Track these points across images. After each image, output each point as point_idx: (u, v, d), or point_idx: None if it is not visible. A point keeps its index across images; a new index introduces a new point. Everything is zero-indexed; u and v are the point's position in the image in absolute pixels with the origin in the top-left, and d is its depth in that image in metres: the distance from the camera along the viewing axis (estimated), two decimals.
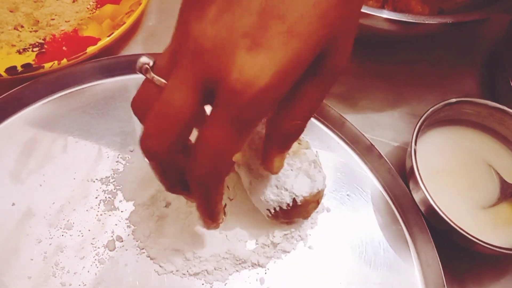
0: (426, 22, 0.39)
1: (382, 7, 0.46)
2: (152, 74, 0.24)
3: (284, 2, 0.22)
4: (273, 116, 0.27)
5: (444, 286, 0.34)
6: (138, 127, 0.40)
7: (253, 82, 0.22)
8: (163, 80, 0.24)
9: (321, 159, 0.40)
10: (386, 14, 0.39)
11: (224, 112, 0.23)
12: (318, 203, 0.34)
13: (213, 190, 0.26)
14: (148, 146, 0.25)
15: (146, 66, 0.25)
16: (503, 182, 0.39)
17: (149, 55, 0.25)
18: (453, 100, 0.39)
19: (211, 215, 0.29)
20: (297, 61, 0.22)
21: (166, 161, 0.27)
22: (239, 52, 0.22)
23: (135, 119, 0.39)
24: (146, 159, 0.26)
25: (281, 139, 0.28)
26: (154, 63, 0.25)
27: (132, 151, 0.38)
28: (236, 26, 0.22)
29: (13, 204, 0.35)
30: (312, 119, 0.42)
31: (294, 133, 0.27)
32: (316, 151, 0.36)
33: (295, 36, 0.22)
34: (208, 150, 0.24)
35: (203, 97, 0.23)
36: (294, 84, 0.23)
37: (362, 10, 0.38)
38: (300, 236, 0.36)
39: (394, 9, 0.46)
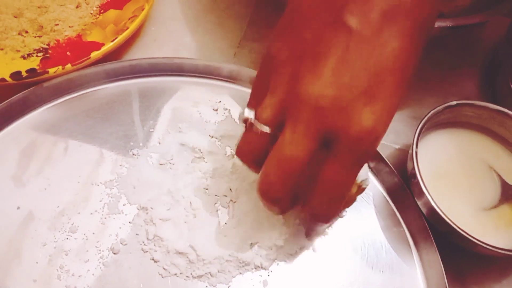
0: None
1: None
2: (259, 126, 0.28)
3: (395, 57, 0.25)
4: None
5: (446, 287, 0.34)
6: (140, 131, 0.40)
7: (374, 130, 0.25)
8: (269, 130, 0.27)
9: None
10: None
11: (346, 156, 0.26)
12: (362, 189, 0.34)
13: (327, 221, 0.31)
14: (268, 192, 0.27)
15: (251, 120, 0.28)
16: (504, 184, 0.39)
17: (249, 105, 0.29)
18: (454, 102, 0.40)
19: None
20: (398, 106, 0.26)
21: (286, 203, 0.29)
22: (358, 107, 0.25)
23: (139, 123, 0.40)
24: (263, 201, 0.29)
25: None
26: (255, 111, 0.28)
27: (135, 155, 0.39)
28: (354, 85, 0.25)
29: (18, 207, 0.35)
30: None
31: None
32: None
33: (402, 86, 0.26)
34: (329, 189, 0.27)
35: (320, 146, 0.26)
36: None
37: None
38: (303, 239, 0.36)
39: None
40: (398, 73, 0.26)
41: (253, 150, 0.28)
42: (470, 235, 0.34)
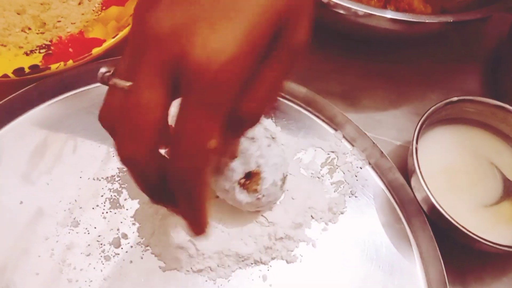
0: (428, 21, 0.39)
1: (384, 6, 0.46)
2: (115, 80, 0.23)
3: None
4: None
5: (446, 284, 0.35)
6: None
7: (217, 55, 0.20)
8: (128, 83, 0.22)
9: (323, 158, 0.41)
10: (388, 13, 0.39)
11: (190, 94, 0.21)
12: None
13: (195, 188, 0.23)
14: (124, 153, 0.22)
15: (107, 74, 0.23)
16: (505, 180, 0.39)
17: (108, 62, 0.24)
18: (455, 98, 0.40)
19: (197, 221, 0.25)
20: (257, 34, 0.21)
21: (147, 166, 0.23)
22: (202, 28, 0.20)
23: None
24: (124, 167, 0.23)
25: (235, 123, 0.24)
26: (114, 70, 0.23)
27: None
28: (194, 7, 0.21)
29: (21, 202, 0.36)
30: (314, 118, 0.43)
31: (248, 119, 0.24)
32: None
33: (254, 8, 0.21)
34: (182, 141, 0.21)
35: (172, 88, 0.22)
36: (257, 64, 0.22)
37: (365, 10, 0.39)
38: (303, 234, 0.36)
39: (397, 9, 0.46)
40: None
41: (110, 110, 0.23)
42: (470, 232, 0.34)
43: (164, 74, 0.21)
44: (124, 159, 0.22)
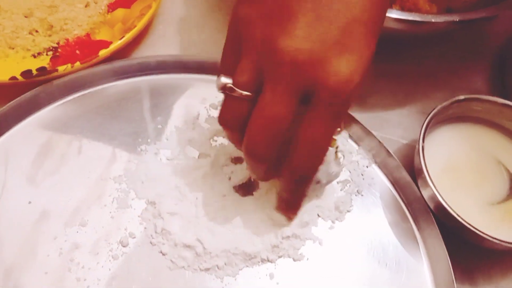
0: (434, 20, 0.39)
1: (390, 6, 0.46)
2: (239, 91, 0.28)
3: (364, 9, 0.26)
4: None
5: (454, 282, 0.34)
6: (149, 127, 0.41)
7: (350, 80, 0.26)
8: (249, 93, 0.27)
9: None
10: (394, 13, 0.39)
11: (326, 110, 0.26)
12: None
13: (308, 182, 0.30)
14: (256, 153, 0.28)
15: (230, 85, 0.28)
16: None
17: (223, 73, 0.28)
18: (462, 97, 0.40)
19: (295, 208, 0.34)
20: (372, 57, 0.27)
21: (269, 161, 0.29)
22: (333, 59, 0.25)
23: (147, 120, 0.41)
24: (250, 161, 0.29)
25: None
26: (234, 80, 0.28)
27: (144, 151, 0.39)
28: (327, 38, 0.26)
29: (30, 202, 0.36)
30: None
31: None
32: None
33: (373, 37, 0.27)
34: (310, 146, 0.27)
35: (300, 102, 0.27)
36: None
37: None
38: (309, 233, 0.37)
39: (402, 8, 0.46)
40: (369, 25, 0.26)
41: (235, 116, 0.28)
42: (477, 230, 0.34)
43: (298, 94, 0.26)
44: (255, 157, 0.28)
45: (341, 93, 0.26)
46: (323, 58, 0.25)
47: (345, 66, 0.26)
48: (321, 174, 0.34)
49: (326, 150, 0.28)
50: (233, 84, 0.28)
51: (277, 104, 0.26)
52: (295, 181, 0.30)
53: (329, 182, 0.36)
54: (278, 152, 0.28)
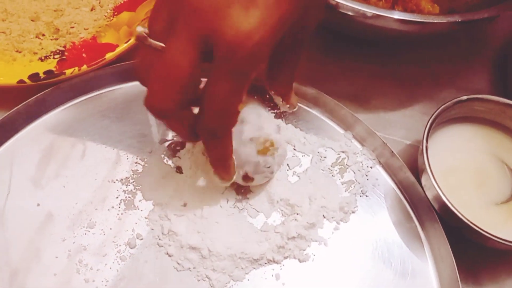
0: (436, 21, 0.40)
1: (392, 7, 0.47)
2: (150, 40, 0.26)
3: None
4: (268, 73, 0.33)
5: (458, 282, 0.35)
6: (155, 130, 0.41)
7: (249, 36, 0.24)
8: (161, 44, 0.26)
9: (333, 158, 0.41)
10: (396, 14, 0.39)
11: (224, 66, 0.25)
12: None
13: (223, 141, 0.29)
14: (153, 104, 0.27)
15: (144, 34, 0.26)
16: None
17: (144, 22, 0.27)
18: (465, 97, 0.40)
19: (223, 166, 0.32)
20: (284, 21, 0.26)
21: (176, 117, 0.28)
22: (236, 10, 0.24)
23: (153, 123, 0.41)
24: (153, 115, 0.28)
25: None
26: (149, 30, 0.27)
27: (150, 152, 0.39)
28: None
29: (38, 205, 0.36)
30: (324, 119, 0.43)
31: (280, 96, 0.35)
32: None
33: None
34: (213, 103, 0.26)
35: (203, 54, 0.26)
36: (278, 42, 0.26)
37: (373, 11, 0.39)
38: (315, 233, 0.37)
39: (404, 9, 0.46)
40: None
41: (145, 66, 0.27)
42: (482, 229, 0.34)
43: (197, 42, 0.25)
44: (152, 108, 0.27)
45: (239, 49, 0.24)
46: (225, 9, 0.24)
47: (246, 21, 0.24)
48: (248, 166, 0.34)
49: (231, 107, 0.27)
50: (147, 33, 0.27)
51: (177, 53, 0.25)
52: (207, 138, 0.29)
53: (262, 173, 0.35)
54: (182, 107, 0.27)
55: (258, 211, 0.37)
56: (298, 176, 0.39)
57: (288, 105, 0.36)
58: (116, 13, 0.48)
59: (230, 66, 0.25)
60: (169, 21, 0.26)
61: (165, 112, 0.27)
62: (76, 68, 0.41)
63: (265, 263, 0.35)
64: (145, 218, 0.36)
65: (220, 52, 0.25)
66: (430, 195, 0.37)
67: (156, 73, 0.26)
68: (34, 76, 0.41)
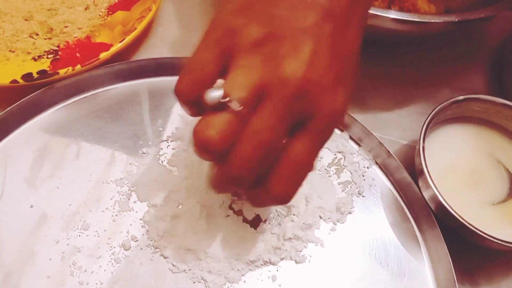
0: (432, 21, 0.40)
1: (388, 7, 0.46)
2: (236, 108, 0.25)
3: (358, 45, 0.28)
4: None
5: (455, 282, 0.35)
6: (150, 130, 0.41)
7: (343, 112, 0.27)
8: (245, 111, 0.25)
9: (330, 158, 0.41)
10: (392, 14, 0.39)
11: (316, 136, 0.27)
12: None
13: (287, 200, 0.28)
14: (239, 177, 0.26)
15: (223, 100, 0.25)
16: None
17: (199, 83, 0.27)
18: (461, 97, 0.40)
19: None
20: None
21: (250, 181, 0.27)
22: (332, 92, 0.26)
23: (148, 122, 0.41)
24: (228, 183, 0.28)
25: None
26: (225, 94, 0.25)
27: (145, 153, 0.39)
28: (333, 69, 0.26)
29: (31, 206, 0.36)
30: None
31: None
32: None
33: (354, 74, 0.28)
34: (295, 168, 0.27)
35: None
36: None
37: (370, 11, 0.39)
38: (311, 234, 0.37)
39: (401, 9, 0.46)
40: (357, 60, 0.28)
41: (225, 134, 0.25)
42: (478, 230, 0.34)
43: (293, 121, 0.26)
44: (234, 178, 0.27)
45: (334, 123, 0.27)
46: (324, 90, 0.26)
47: (340, 98, 0.26)
48: None
49: (305, 175, 0.28)
50: (226, 98, 0.25)
51: (273, 129, 0.25)
52: (269, 202, 0.29)
53: None
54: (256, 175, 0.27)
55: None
56: None
57: None
58: (110, 12, 0.47)
59: (321, 136, 0.27)
60: (259, 91, 0.25)
61: (247, 183, 0.27)
62: (70, 68, 0.40)
63: (262, 265, 0.35)
64: (140, 219, 0.36)
65: (315, 125, 0.26)
66: (426, 195, 0.37)
67: (247, 147, 0.25)
68: (27, 76, 0.40)
